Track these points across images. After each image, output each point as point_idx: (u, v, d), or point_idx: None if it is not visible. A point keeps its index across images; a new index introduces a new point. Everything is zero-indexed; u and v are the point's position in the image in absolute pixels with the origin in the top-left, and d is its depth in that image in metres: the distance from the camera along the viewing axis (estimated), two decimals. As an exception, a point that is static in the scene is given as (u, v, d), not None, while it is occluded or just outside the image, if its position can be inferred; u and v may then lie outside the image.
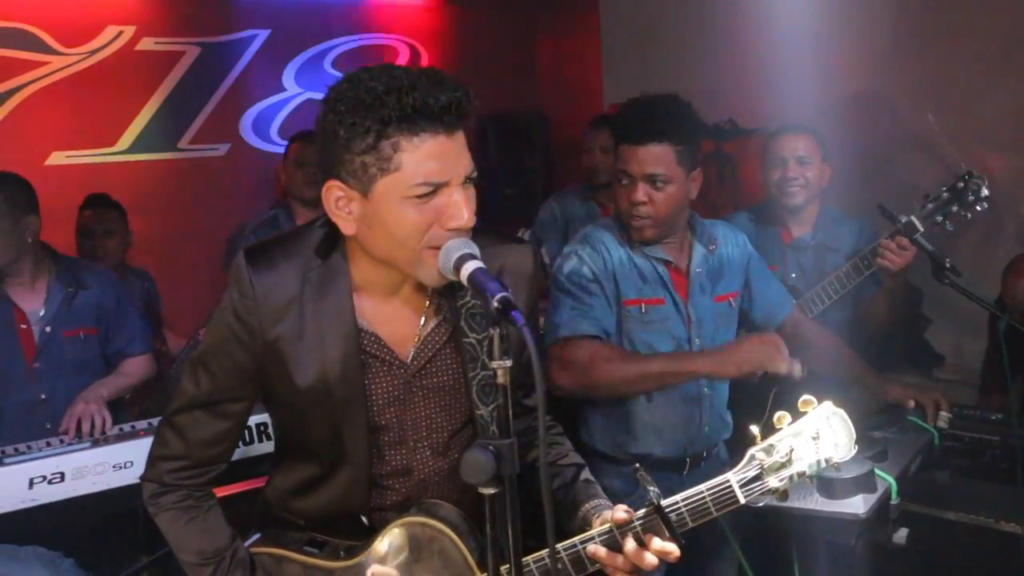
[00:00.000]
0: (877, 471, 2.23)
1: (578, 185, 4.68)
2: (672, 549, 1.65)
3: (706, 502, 1.67)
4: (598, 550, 1.67)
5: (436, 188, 1.54)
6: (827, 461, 1.64)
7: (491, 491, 1.39)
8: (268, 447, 2.87)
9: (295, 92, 5.45)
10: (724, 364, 2.34)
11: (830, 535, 2.19)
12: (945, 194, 2.92)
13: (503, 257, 1.76)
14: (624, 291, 2.54)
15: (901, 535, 2.25)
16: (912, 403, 2.66)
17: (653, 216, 2.50)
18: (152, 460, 1.81)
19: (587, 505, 1.77)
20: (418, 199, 1.54)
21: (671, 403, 2.57)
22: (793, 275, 3.29)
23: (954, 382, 3.81)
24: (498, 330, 1.36)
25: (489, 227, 1.76)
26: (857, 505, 2.12)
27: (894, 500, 2.22)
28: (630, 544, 1.65)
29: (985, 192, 2.87)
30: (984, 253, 4.08)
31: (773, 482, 1.64)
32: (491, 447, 1.37)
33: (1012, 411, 2.73)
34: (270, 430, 2.78)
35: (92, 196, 4.21)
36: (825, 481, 2.17)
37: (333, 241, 1.71)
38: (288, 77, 5.44)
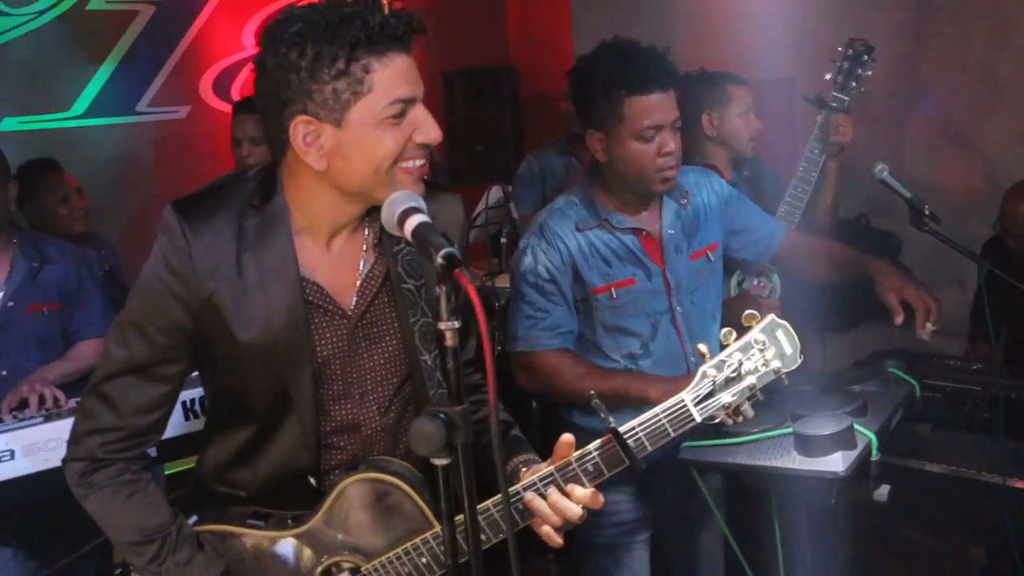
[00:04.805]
0: (857, 427, 2.15)
1: (555, 140, 4.62)
2: (589, 498, 1.64)
3: (663, 424, 1.68)
4: (533, 499, 1.65)
5: (405, 107, 1.57)
6: (776, 372, 1.67)
7: (443, 461, 1.30)
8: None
9: (256, 50, 5.28)
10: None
11: (809, 495, 2.12)
12: (845, 64, 3.07)
13: (433, 207, 1.67)
14: (589, 280, 2.43)
15: (883, 492, 2.17)
16: (900, 318, 2.44)
17: (679, 162, 2.41)
18: (78, 437, 1.69)
19: (515, 460, 1.76)
20: (392, 119, 1.56)
21: (658, 372, 2.47)
22: None
23: (933, 332, 3.77)
24: (444, 288, 1.27)
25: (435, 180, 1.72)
26: (836, 463, 2.04)
27: (875, 456, 2.14)
28: (554, 494, 1.64)
29: (872, 46, 3.06)
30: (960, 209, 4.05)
31: (726, 397, 1.66)
32: (441, 415, 1.27)
33: (996, 359, 2.67)
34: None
35: (38, 161, 4.01)
36: (803, 439, 2.10)
37: (270, 188, 1.66)
38: (248, 34, 5.29)
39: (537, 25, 6.19)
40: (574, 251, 2.42)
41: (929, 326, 2.42)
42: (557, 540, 1.67)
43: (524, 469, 1.72)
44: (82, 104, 4.83)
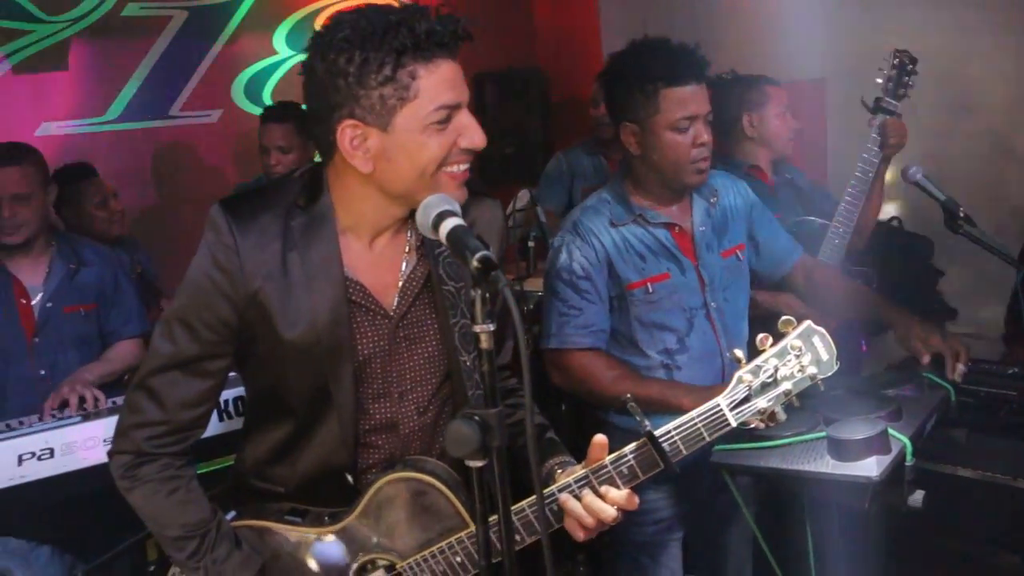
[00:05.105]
0: (891, 431, 2.13)
1: (584, 140, 4.61)
2: (624, 500, 1.64)
3: (698, 428, 1.68)
4: (568, 500, 1.65)
5: (451, 112, 1.60)
6: (811, 378, 1.67)
7: (478, 464, 1.31)
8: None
9: (287, 54, 5.34)
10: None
11: (842, 499, 2.10)
12: (893, 72, 3.15)
13: (473, 211, 1.76)
14: (625, 276, 2.45)
15: (917, 498, 2.16)
16: (927, 358, 2.52)
17: (710, 155, 2.44)
18: (124, 431, 1.72)
19: (551, 462, 1.76)
20: (437, 125, 1.59)
21: (694, 377, 2.48)
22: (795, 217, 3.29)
23: (968, 336, 3.73)
24: (479, 291, 1.28)
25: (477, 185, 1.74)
26: (870, 467, 2.03)
27: (909, 461, 2.12)
28: (588, 495, 1.64)
29: (915, 57, 3.16)
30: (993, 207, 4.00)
31: (761, 403, 1.67)
32: (476, 417, 1.28)
33: (1031, 363, 2.63)
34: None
35: (76, 166, 4.09)
36: (836, 443, 2.09)
37: (316, 188, 1.69)
38: (279, 39, 5.33)
39: (566, 28, 6.19)
40: (609, 247, 2.44)
41: (960, 367, 2.50)
42: (579, 535, 1.67)
43: (559, 471, 1.73)
44: (117, 108, 4.89)
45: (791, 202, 3.40)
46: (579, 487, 1.65)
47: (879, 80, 3.17)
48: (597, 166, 4.45)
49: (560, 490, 1.66)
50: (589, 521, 1.64)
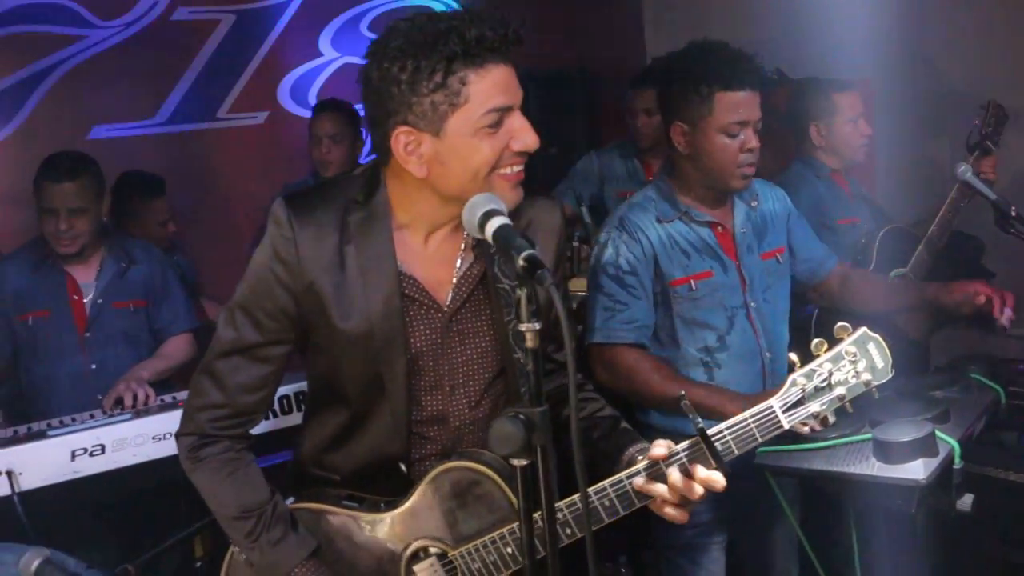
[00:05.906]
0: (939, 434, 2.11)
1: (621, 142, 4.56)
2: (718, 478, 1.66)
3: (751, 429, 1.69)
4: (646, 483, 1.66)
5: (502, 116, 1.62)
6: (866, 384, 1.68)
7: (523, 462, 1.32)
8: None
9: (332, 57, 5.39)
10: None
11: (889, 502, 2.08)
12: (991, 119, 3.22)
13: (530, 211, 1.80)
14: (669, 272, 2.47)
15: (966, 501, 2.13)
16: (983, 298, 2.54)
17: (757, 161, 2.46)
18: (190, 413, 1.80)
19: (632, 448, 1.78)
20: (489, 128, 1.62)
21: (734, 376, 2.49)
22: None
23: (1019, 338, 3.67)
24: (525, 291, 1.31)
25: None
26: (917, 470, 2.02)
27: (957, 464, 2.10)
28: (675, 475, 1.65)
29: (1007, 114, 3.26)
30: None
31: (815, 406, 1.68)
32: (521, 416, 1.30)
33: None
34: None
35: (152, 182, 4.17)
36: (882, 445, 2.07)
37: (374, 186, 1.74)
38: (324, 42, 5.38)
39: (611, 30, 6.18)
40: (655, 243, 2.46)
41: (1008, 311, 2.53)
42: (673, 515, 1.69)
43: (640, 457, 1.74)
44: (166, 111, 4.97)
45: (865, 209, 3.40)
46: (628, 480, 1.68)
47: (976, 122, 3.26)
48: (631, 170, 4.39)
49: (628, 477, 1.68)
50: (673, 498, 1.66)
